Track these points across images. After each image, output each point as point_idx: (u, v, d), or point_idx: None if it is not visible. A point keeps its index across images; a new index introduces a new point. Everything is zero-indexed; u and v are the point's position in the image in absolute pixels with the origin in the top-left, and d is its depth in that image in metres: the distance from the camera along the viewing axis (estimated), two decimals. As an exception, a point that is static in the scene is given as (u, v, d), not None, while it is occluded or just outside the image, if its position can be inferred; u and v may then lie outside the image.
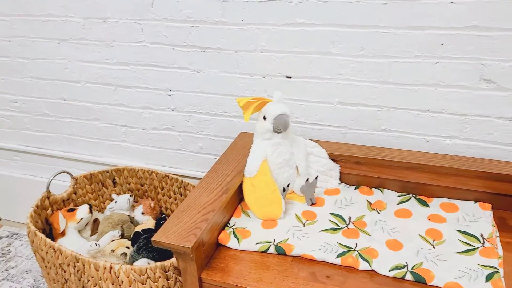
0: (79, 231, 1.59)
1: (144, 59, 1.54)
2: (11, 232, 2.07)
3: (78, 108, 1.75)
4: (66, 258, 1.26)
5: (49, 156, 1.92)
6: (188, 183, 1.61)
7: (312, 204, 1.25)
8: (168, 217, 1.71)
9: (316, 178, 1.23)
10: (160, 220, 1.64)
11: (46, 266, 1.37)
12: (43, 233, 1.52)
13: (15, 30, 1.66)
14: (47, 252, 1.32)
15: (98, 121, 1.75)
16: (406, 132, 1.35)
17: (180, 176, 1.69)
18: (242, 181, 1.23)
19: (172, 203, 1.71)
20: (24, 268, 1.84)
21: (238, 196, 1.25)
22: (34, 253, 1.41)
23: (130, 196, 1.68)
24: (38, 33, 1.64)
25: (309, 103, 1.41)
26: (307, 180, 1.23)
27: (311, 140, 1.32)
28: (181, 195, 1.66)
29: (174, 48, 1.48)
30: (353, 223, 1.16)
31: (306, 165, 1.28)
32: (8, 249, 1.95)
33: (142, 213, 1.66)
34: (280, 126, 1.17)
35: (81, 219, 1.57)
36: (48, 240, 1.31)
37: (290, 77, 1.38)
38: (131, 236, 1.53)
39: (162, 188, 1.70)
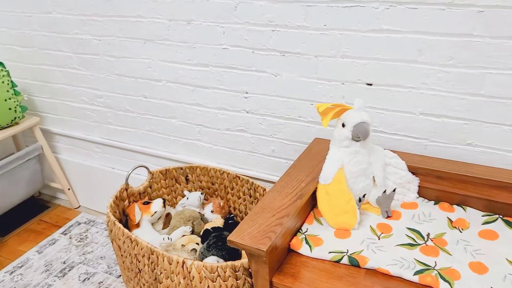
0: (152, 224, 1.66)
1: (223, 61, 1.57)
2: (89, 219, 2.21)
3: (157, 106, 1.82)
4: (141, 249, 1.32)
5: (127, 150, 2.02)
6: (259, 185, 1.62)
7: (388, 216, 1.20)
8: (236, 217, 1.74)
9: (393, 191, 1.19)
10: (229, 219, 1.67)
11: (122, 255, 1.44)
12: (120, 222, 1.60)
13: (106, 30, 1.77)
14: (124, 242, 1.39)
15: (176, 119, 1.81)
16: (495, 148, 1.26)
17: (251, 177, 1.70)
18: (316, 188, 1.21)
19: (241, 203, 1.73)
20: (99, 254, 1.95)
21: (311, 203, 1.23)
22: (112, 242, 1.49)
23: (201, 193, 1.73)
24: (126, 33, 1.73)
25: (388, 112, 1.36)
26: (384, 191, 1.19)
27: (390, 150, 1.27)
28: (250, 196, 1.67)
29: (254, 51, 1.50)
30: (432, 240, 1.11)
31: (384, 176, 1.24)
32: (86, 235, 2.08)
33: (212, 211, 1.70)
34: (360, 134, 1.14)
35: (155, 212, 1.63)
36: (126, 231, 1.38)
37: (370, 84, 1.35)
38: (201, 233, 1.57)
39: (232, 188, 1.72)
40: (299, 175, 1.26)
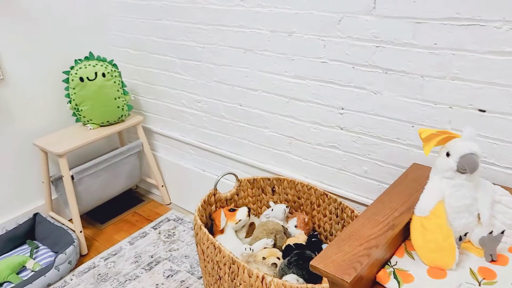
0: (235, 231, 1.67)
1: (321, 75, 1.54)
2: (178, 217, 2.31)
3: (251, 115, 1.84)
4: (223, 257, 1.33)
5: (219, 154, 2.08)
6: (347, 206, 1.56)
7: (492, 261, 1.07)
8: (320, 235, 1.68)
9: (502, 232, 1.06)
10: (312, 237, 1.62)
11: (204, 259, 1.48)
12: (205, 226, 1.64)
13: (210, 38, 1.83)
14: (207, 247, 1.42)
15: (268, 129, 1.81)
16: None
17: (339, 196, 1.64)
18: (410, 219, 1.12)
19: (326, 222, 1.67)
20: (184, 252, 2.02)
21: (403, 234, 1.15)
22: (196, 245, 1.53)
23: (287, 207, 1.70)
24: (228, 42, 1.78)
25: (503, 143, 1.22)
26: (491, 232, 1.06)
27: (501, 186, 1.14)
28: (337, 216, 1.61)
29: (354, 67, 1.44)
30: (546, 297, 0.96)
31: (491, 215, 1.10)
32: (173, 232, 2.17)
33: (295, 226, 1.66)
34: (467, 167, 1.03)
35: (240, 220, 1.64)
36: (210, 237, 1.40)
37: (483, 111, 1.22)
38: (283, 247, 1.55)
39: (319, 205, 1.68)
40: (393, 202, 1.18)
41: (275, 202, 1.80)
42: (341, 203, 1.58)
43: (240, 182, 1.77)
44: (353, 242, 1.03)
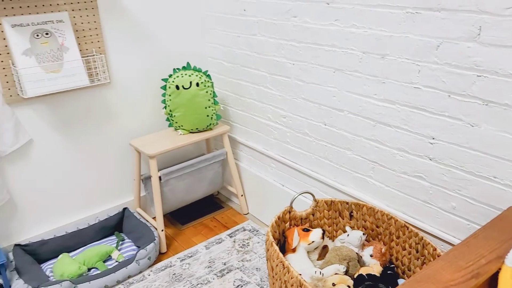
0: (307, 252, 1.65)
1: (412, 101, 1.46)
2: (253, 228, 2.34)
3: (335, 135, 1.81)
4: (291, 278, 1.32)
5: (298, 171, 2.07)
6: (429, 243, 1.45)
7: None
8: (397, 268, 1.60)
9: None
10: (388, 269, 1.54)
11: (273, 276, 1.47)
12: (277, 243, 1.64)
13: (300, 55, 1.84)
14: (277, 265, 1.41)
15: (351, 151, 1.77)
16: None
17: (421, 230, 1.54)
18: (500, 269, 1.01)
19: (404, 256, 1.58)
20: (256, 265, 2.04)
21: (489, 285, 1.04)
22: (267, 260, 1.54)
23: (363, 234, 1.64)
24: (318, 60, 1.77)
25: None
26: None
27: None
28: (417, 251, 1.51)
29: (450, 95, 1.34)
30: None
31: None
32: (248, 243, 2.20)
33: (371, 255, 1.59)
34: None
35: (313, 242, 1.62)
36: (281, 255, 1.40)
37: None
38: (355, 276, 1.49)
39: (398, 237, 1.59)
40: (481, 248, 1.07)
41: (352, 228, 1.74)
42: (422, 238, 1.48)
43: (317, 203, 1.74)
44: (430, 286, 0.96)
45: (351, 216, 1.74)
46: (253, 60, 2.14)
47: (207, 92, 2.21)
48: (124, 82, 2.21)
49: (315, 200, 1.74)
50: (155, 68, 2.29)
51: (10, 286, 1.85)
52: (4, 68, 1.83)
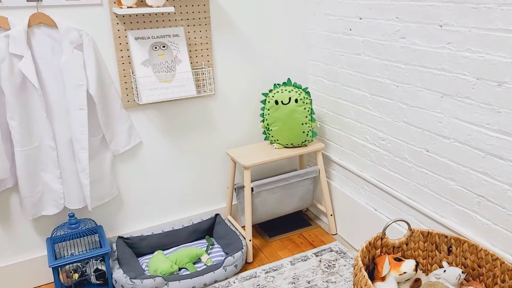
0: (398, 283, 1.57)
1: (532, 134, 1.33)
2: (341, 249, 2.29)
3: (438, 163, 1.71)
4: (380, 308, 1.27)
5: (394, 197, 1.98)
6: (541, 293, 1.30)
7: None
8: (499, 317, 1.45)
9: None
10: (488, 315, 1.41)
11: (359, 303, 1.43)
12: (366, 269, 1.59)
13: (406, 77, 1.78)
14: (365, 292, 1.37)
15: (454, 181, 1.65)
16: None
17: (532, 278, 1.39)
18: None
19: (509, 303, 1.43)
20: (340, 288, 1.99)
21: None
22: (354, 285, 1.49)
23: (462, 272, 1.52)
24: (425, 84, 1.69)
25: None
26: None
27: None
28: (525, 300, 1.36)
29: None
30: None
31: None
32: (334, 264, 2.16)
33: (469, 297, 1.47)
34: None
35: (405, 273, 1.54)
36: (369, 282, 1.35)
37: None
38: (449, 317, 1.38)
39: (503, 281, 1.44)
40: None
41: (449, 264, 1.62)
42: (533, 287, 1.33)
43: (412, 232, 1.65)
44: None
45: (449, 251, 1.62)
46: (354, 80, 2.11)
47: (305, 108, 2.23)
48: (227, 94, 2.32)
49: (410, 229, 1.65)
50: (256, 82, 2.38)
51: (111, 274, 2.02)
52: (125, 76, 2.03)
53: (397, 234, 1.93)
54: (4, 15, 1.75)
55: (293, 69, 2.46)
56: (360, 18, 1.99)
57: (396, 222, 1.93)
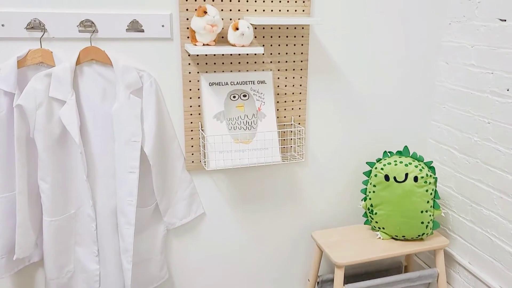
0: None
1: None
2: None
3: None
4: None
5: None
6: None
7: None
8: None
9: None
10: None
11: None
12: None
13: None
14: None
15: None
16: None
17: None
18: None
19: None
20: None
21: None
22: None
23: None
24: None
25: None
26: None
27: None
28: None
29: None
30: None
31: None
32: None
33: None
34: None
35: None
36: None
37: None
38: None
39: None
40: None
41: None
42: None
43: None
44: None
45: None
46: (505, 159, 1.47)
47: (427, 190, 1.61)
48: (319, 159, 1.77)
49: None
50: (359, 147, 1.80)
51: None
52: (191, 130, 1.57)
53: None
54: (49, 48, 1.37)
55: (409, 132, 1.85)
56: (530, 76, 1.37)
57: None
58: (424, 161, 1.65)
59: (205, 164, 1.52)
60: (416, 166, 1.62)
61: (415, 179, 1.61)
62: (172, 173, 1.58)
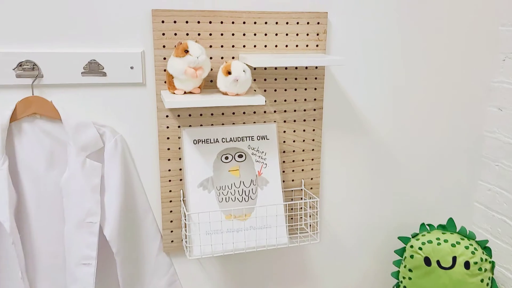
0: None
1: None
2: None
3: None
4: None
5: None
6: None
7: None
8: None
9: None
10: None
11: None
12: None
13: None
14: None
15: None
16: None
17: None
18: None
19: None
20: None
21: None
22: None
23: None
24: None
25: None
26: None
27: None
28: None
29: None
30: None
31: None
32: None
33: None
34: None
35: None
36: None
37: None
38: None
39: None
40: None
41: None
42: None
43: None
44: None
45: None
46: None
47: (482, 281, 1.22)
48: (337, 234, 1.38)
49: None
50: (388, 217, 1.41)
51: None
52: (170, 201, 1.19)
53: None
54: (-25, 99, 1.02)
55: (451, 197, 1.46)
56: None
57: None
58: (477, 240, 1.26)
59: (187, 250, 1.14)
60: (466, 247, 1.23)
61: (467, 265, 1.22)
62: (144, 257, 1.19)
